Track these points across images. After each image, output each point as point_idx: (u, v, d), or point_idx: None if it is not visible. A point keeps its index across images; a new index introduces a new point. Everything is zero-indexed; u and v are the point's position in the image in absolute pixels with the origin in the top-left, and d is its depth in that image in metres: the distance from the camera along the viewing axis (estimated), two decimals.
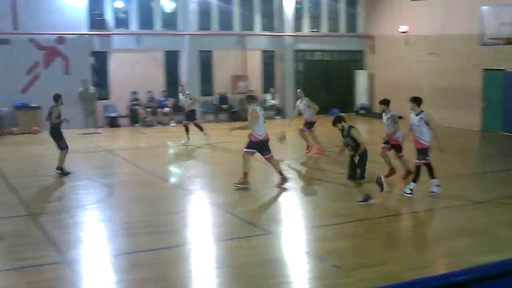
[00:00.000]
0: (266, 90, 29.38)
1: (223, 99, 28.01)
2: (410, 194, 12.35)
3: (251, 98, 13.90)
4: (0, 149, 20.05)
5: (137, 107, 25.80)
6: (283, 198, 12.88)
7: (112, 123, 25.68)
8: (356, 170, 11.72)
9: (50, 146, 15.62)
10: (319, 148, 17.85)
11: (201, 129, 20.21)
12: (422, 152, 12.30)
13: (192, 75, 27.36)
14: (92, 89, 24.56)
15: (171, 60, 27.66)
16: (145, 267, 8.56)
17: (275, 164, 13.52)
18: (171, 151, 20.35)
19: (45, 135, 14.79)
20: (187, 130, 20.12)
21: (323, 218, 11.28)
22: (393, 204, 12.56)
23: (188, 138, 19.97)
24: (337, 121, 11.78)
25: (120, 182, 14.59)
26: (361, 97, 30.44)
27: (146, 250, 9.39)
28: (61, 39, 24.70)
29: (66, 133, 15.54)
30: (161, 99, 26.65)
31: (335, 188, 13.61)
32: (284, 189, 13.24)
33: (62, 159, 15.12)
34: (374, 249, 9.38)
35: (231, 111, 28.02)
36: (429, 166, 12.45)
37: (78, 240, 9.98)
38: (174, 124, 26.04)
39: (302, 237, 10.19)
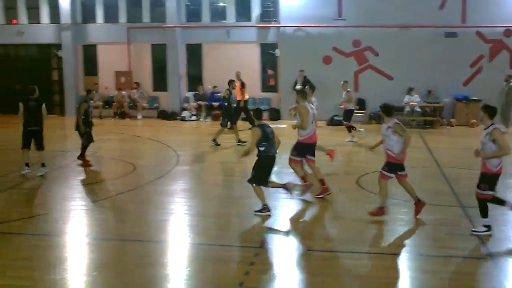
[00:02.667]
0: None
1: None
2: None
3: (303, 93, 12.41)
4: (437, 139, 20.72)
5: None
6: None
7: None
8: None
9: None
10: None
11: (349, 130, 19.53)
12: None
13: None
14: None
15: None
16: None
17: (315, 171, 12.33)
18: None
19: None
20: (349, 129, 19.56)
21: None
22: None
23: (353, 136, 19.49)
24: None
25: None
26: None
27: None
28: (508, 32, 24.13)
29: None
30: None
31: None
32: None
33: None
34: None
35: None
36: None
37: (507, 238, 9.74)
38: None
39: None
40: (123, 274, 8.35)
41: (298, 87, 23.05)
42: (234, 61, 25.41)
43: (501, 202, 9.85)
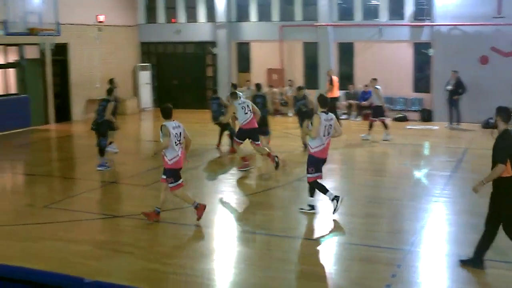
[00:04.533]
0: None
1: None
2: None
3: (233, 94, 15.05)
4: None
5: None
6: None
7: None
8: None
9: None
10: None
11: (370, 127, 19.37)
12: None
13: None
14: None
15: None
16: None
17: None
18: None
19: None
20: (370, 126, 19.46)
21: None
22: None
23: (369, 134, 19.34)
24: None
25: None
26: None
27: None
28: None
29: None
30: None
31: None
32: None
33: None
34: None
35: None
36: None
37: None
38: None
39: None
40: (269, 268, 8.52)
41: (449, 88, 22.34)
42: (385, 60, 25.04)
43: (324, 190, 10.79)
